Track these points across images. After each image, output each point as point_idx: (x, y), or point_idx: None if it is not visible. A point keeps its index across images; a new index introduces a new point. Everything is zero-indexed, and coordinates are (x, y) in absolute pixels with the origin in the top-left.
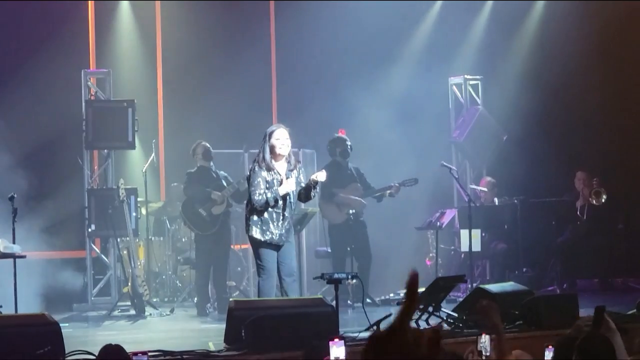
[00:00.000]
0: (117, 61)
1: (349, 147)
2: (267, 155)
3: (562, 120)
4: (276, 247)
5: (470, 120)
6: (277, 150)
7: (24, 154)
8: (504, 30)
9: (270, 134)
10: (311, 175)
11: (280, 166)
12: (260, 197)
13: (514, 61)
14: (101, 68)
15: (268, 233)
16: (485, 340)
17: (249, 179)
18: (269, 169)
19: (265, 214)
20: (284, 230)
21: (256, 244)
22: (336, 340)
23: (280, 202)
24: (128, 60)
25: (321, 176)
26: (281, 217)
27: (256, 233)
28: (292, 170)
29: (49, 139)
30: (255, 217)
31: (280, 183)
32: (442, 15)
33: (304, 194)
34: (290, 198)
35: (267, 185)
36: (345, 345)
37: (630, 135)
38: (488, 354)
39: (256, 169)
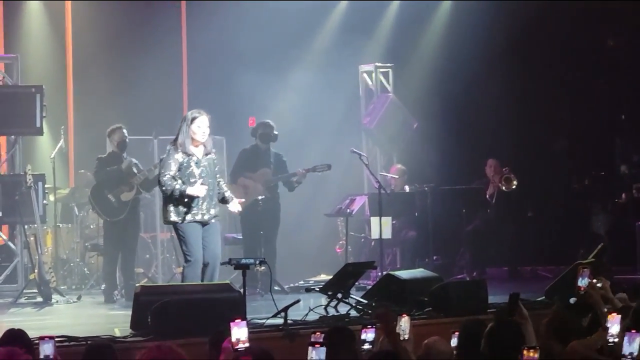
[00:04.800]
0: (26, 46)
1: (271, 133)
2: (187, 140)
3: (473, 108)
4: (199, 224)
5: (380, 107)
6: (197, 137)
7: None
8: (415, 20)
9: (193, 119)
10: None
11: (197, 151)
12: (169, 183)
13: (425, 50)
14: (9, 53)
15: (188, 214)
16: (404, 322)
17: (161, 161)
18: (186, 152)
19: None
20: (204, 208)
21: (177, 227)
22: (237, 321)
23: (198, 181)
24: (37, 46)
25: (234, 208)
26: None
27: (175, 216)
28: (207, 155)
29: None
30: (171, 203)
31: (196, 165)
32: (354, 3)
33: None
34: (208, 177)
35: (179, 167)
36: (247, 326)
37: (538, 126)
38: (407, 336)
39: (171, 151)
